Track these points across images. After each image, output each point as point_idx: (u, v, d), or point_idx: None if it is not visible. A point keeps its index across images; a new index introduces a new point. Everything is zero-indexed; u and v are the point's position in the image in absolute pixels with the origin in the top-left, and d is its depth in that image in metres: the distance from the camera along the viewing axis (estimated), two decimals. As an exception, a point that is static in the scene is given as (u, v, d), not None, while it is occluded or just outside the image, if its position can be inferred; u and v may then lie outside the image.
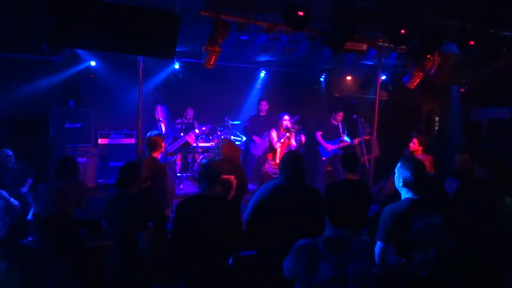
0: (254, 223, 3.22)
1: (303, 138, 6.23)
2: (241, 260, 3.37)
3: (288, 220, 3.06)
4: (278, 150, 5.83)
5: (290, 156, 3.28)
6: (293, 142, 5.97)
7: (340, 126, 7.45)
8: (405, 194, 2.72)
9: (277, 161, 5.81)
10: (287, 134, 5.78)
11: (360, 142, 7.12)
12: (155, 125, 6.56)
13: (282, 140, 5.79)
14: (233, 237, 2.99)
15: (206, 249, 2.88)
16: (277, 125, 5.95)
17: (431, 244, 2.57)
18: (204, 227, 2.89)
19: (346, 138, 7.29)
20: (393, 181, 2.83)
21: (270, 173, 5.88)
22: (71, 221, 3.90)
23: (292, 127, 5.90)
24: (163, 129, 6.61)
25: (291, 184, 3.16)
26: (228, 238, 2.95)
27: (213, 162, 3.13)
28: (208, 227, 2.88)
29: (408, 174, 2.68)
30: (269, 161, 5.94)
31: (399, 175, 2.73)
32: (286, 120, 5.86)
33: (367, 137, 7.22)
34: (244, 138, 8.02)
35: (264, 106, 7.66)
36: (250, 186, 5.46)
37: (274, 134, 5.91)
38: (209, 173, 3.01)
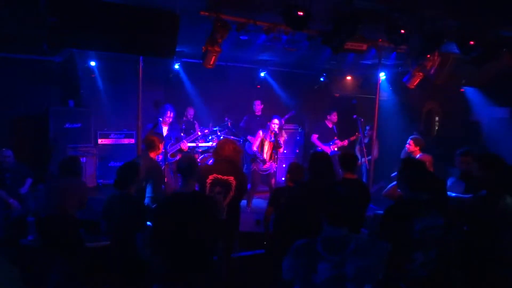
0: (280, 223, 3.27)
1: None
2: (239, 260, 3.37)
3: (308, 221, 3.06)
4: (266, 147, 6.22)
5: (315, 157, 3.41)
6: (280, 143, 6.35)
7: (335, 128, 7.46)
8: (407, 194, 2.72)
9: (264, 156, 6.21)
10: (272, 136, 6.24)
11: (360, 143, 7.14)
12: (157, 125, 6.54)
13: (267, 140, 6.22)
14: (210, 234, 2.98)
15: (184, 247, 2.88)
16: (266, 127, 6.35)
17: (432, 244, 2.57)
18: (180, 225, 2.88)
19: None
20: (397, 183, 2.83)
21: (259, 171, 6.15)
22: (71, 221, 3.91)
23: (280, 132, 6.29)
24: (165, 130, 6.59)
25: (313, 185, 3.18)
26: (206, 235, 2.94)
27: (187, 157, 3.13)
28: (184, 224, 2.87)
29: (410, 175, 2.68)
30: (258, 159, 6.25)
31: (402, 176, 2.73)
32: (275, 124, 6.23)
33: (353, 138, 7.36)
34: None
35: (258, 105, 7.63)
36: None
37: (261, 133, 6.35)
38: (181, 167, 3.03)
